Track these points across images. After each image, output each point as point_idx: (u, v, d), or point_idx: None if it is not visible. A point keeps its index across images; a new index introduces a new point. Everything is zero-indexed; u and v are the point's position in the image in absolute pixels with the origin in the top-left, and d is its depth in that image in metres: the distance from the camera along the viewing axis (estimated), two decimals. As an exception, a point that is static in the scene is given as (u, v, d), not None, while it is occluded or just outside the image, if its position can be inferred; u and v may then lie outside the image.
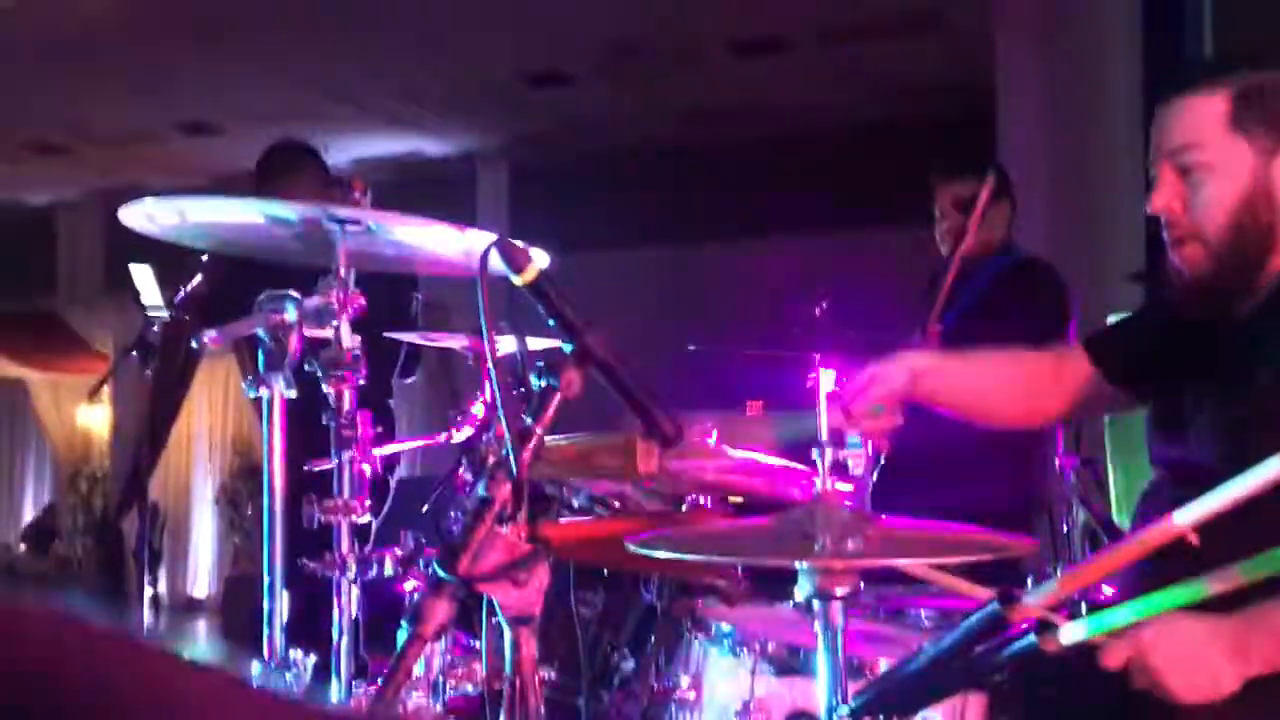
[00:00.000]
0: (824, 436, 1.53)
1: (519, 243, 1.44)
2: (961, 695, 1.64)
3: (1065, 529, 3.36)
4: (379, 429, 1.96)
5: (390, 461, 3.75)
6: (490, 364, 1.37)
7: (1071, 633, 1.14)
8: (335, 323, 1.88)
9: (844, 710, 1.37)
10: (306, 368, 1.88)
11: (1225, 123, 1.70)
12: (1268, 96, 1.71)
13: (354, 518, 1.86)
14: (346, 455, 1.87)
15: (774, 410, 3.55)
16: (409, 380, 4.23)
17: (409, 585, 2.13)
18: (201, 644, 9.84)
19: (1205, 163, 1.71)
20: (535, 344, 1.80)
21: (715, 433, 2.19)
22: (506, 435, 1.33)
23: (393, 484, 3.89)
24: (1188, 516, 1.02)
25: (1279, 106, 1.70)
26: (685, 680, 1.96)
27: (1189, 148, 1.72)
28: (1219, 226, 1.71)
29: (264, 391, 1.83)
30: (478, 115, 8.87)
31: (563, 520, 2.37)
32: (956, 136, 4.04)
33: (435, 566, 1.29)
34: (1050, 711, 1.80)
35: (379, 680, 1.35)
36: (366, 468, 1.89)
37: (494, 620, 1.32)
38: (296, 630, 1.85)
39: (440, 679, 2.17)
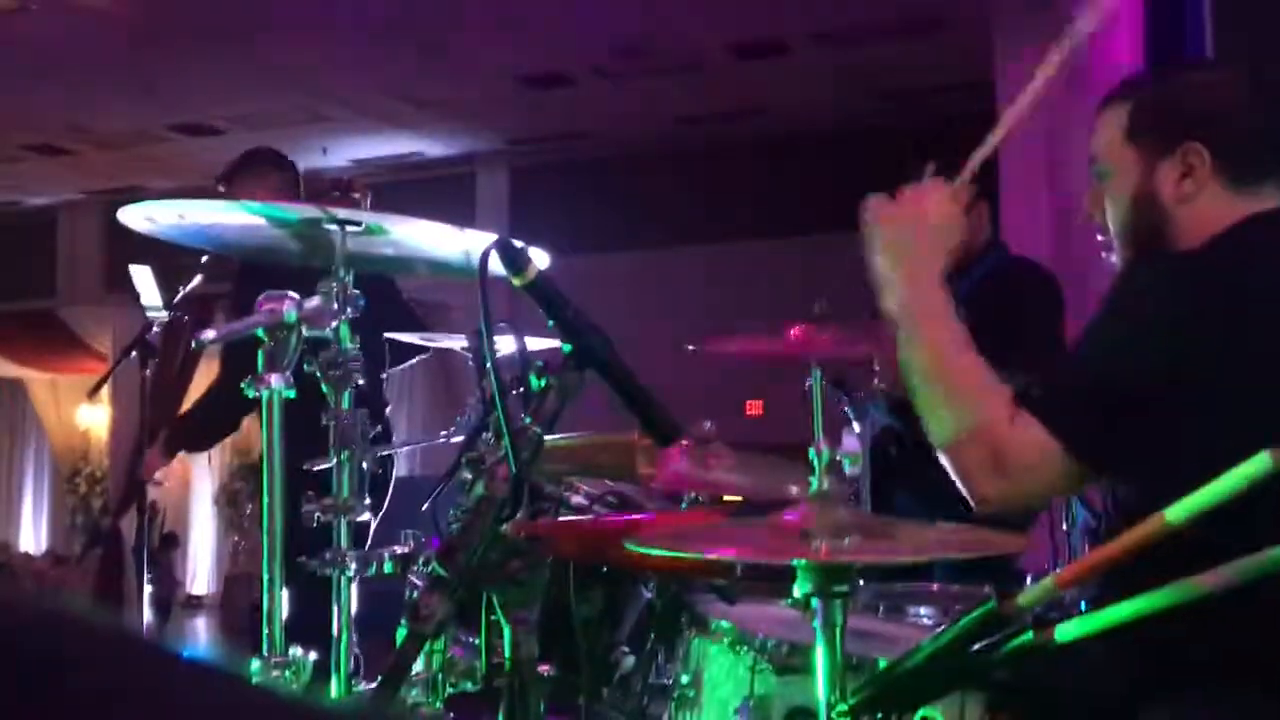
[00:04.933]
0: (820, 433, 1.54)
1: (519, 243, 1.44)
2: (960, 693, 1.65)
3: (1064, 527, 3.36)
4: (378, 429, 1.96)
5: (384, 462, 3.74)
6: (490, 364, 1.38)
7: (1067, 630, 1.14)
8: (334, 323, 1.89)
9: (843, 708, 1.37)
10: (306, 368, 1.89)
11: (1122, 134, 1.82)
12: (1159, 108, 1.81)
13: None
14: (344, 454, 1.88)
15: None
16: (409, 363, 4.11)
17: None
18: (200, 642, 9.84)
19: (1107, 171, 1.84)
20: (535, 344, 1.81)
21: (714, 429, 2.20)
22: (505, 435, 1.33)
23: (390, 485, 3.88)
24: (1180, 513, 1.03)
25: (1166, 117, 1.80)
26: (685, 678, 1.97)
27: (1097, 158, 1.86)
28: (1117, 231, 1.84)
29: (263, 391, 1.83)
30: (477, 116, 8.87)
31: (562, 519, 2.38)
32: (956, 137, 4.04)
33: (434, 564, 1.30)
34: (1048, 709, 1.81)
35: (379, 677, 1.35)
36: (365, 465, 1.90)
37: (493, 618, 1.33)
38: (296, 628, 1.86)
39: (439, 676, 2.17)
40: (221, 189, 3.80)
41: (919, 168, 1.94)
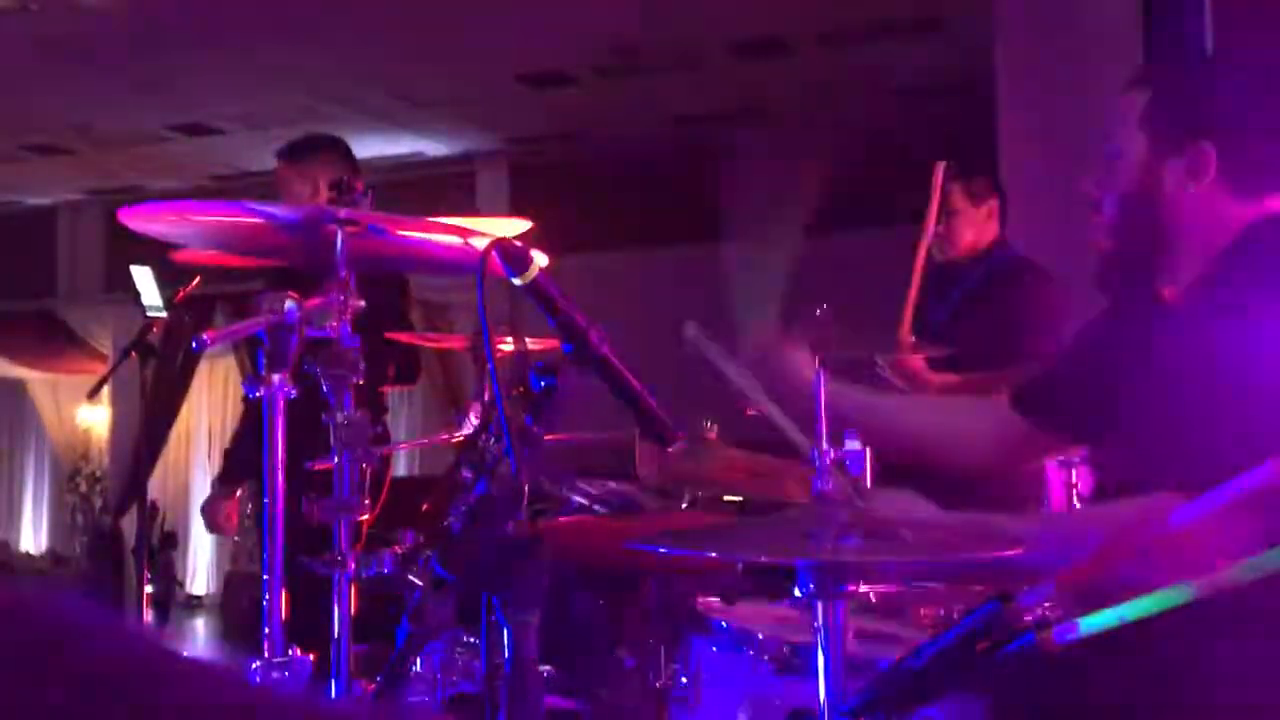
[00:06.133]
0: (822, 433, 1.54)
1: (518, 243, 1.44)
2: (960, 694, 1.65)
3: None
4: (378, 429, 1.97)
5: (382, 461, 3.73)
6: (490, 364, 1.38)
7: (1069, 631, 1.14)
8: (335, 323, 1.88)
9: (843, 709, 1.37)
10: (306, 367, 1.89)
11: (1136, 123, 1.79)
12: (1172, 105, 1.77)
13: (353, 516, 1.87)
14: (346, 454, 1.87)
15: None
16: (410, 386, 4.18)
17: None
18: (200, 641, 9.84)
19: (1115, 154, 1.81)
20: (535, 344, 1.81)
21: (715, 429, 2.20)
22: (506, 434, 1.33)
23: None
24: (1183, 517, 1.03)
25: (1178, 114, 1.76)
26: (684, 679, 1.97)
27: (1108, 138, 1.83)
28: (1111, 215, 1.82)
29: (263, 391, 1.83)
30: (477, 115, 8.87)
31: (562, 518, 2.38)
32: (957, 137, 4.04)
33: (436, 564, 1.29)
34: (1050, 710, 1.80)
35: (379, 677, 1.35)
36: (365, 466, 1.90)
37: (493, 617, 1.32)
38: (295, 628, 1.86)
39: (439, 676, 2.17)
40: (281, 166, 3.75)
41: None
